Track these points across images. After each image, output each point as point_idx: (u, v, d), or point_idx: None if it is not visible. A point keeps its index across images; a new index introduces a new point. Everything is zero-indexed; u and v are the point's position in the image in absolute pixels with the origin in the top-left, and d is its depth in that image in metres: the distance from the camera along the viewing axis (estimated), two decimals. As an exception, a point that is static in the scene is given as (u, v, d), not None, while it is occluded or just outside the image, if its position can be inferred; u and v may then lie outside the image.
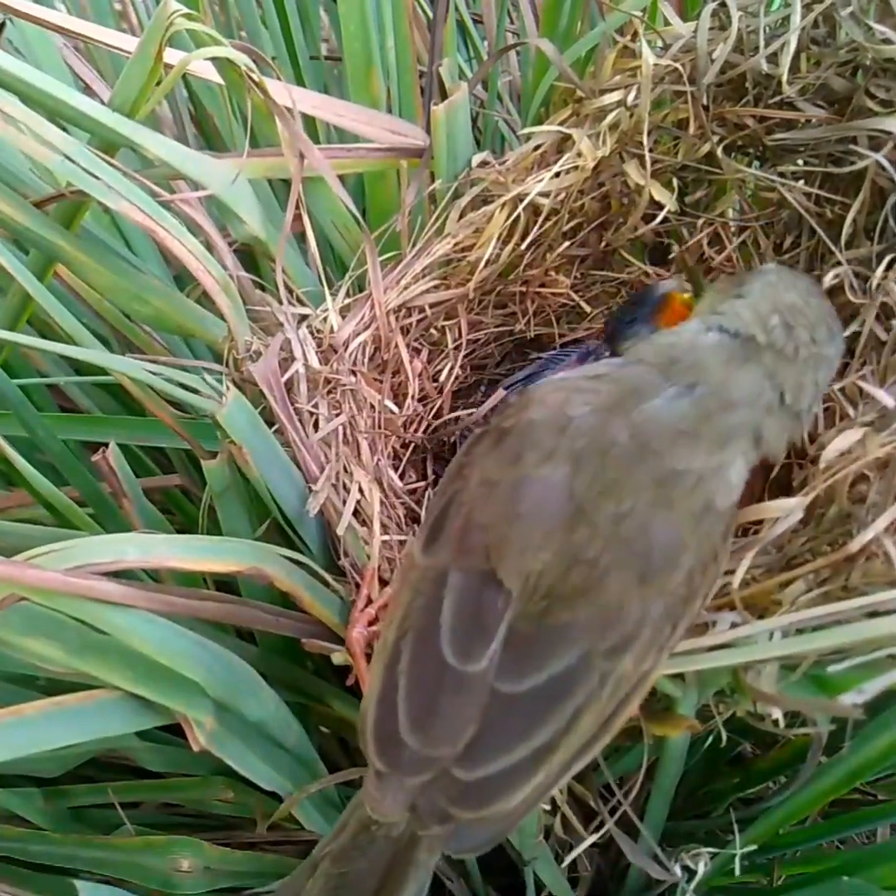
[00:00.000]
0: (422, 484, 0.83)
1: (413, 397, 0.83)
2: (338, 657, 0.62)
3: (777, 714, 0.49)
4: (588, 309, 0.93)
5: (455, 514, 0.51)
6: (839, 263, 0.71)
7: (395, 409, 0.81)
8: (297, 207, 0.75)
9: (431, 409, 0.87)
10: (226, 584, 0.72)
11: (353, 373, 0.75)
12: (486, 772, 0.45)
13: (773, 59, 0.72)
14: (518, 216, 0.80)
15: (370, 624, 0.61)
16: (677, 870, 0.67)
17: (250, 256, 0.92)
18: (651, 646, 0.48)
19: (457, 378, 0.89)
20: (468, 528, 0.50)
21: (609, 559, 0.48)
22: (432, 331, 0.86)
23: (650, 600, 0.48)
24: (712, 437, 0.53)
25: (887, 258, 0.67)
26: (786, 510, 0.52)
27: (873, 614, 0.47)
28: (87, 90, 0.93)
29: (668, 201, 0.80)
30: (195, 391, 0.62)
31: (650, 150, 0.79)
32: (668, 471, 0.51)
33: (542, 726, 0.45)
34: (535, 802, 0.46)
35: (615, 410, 0.53)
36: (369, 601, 0.63)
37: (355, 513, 0.66)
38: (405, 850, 0.47)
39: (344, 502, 0.66)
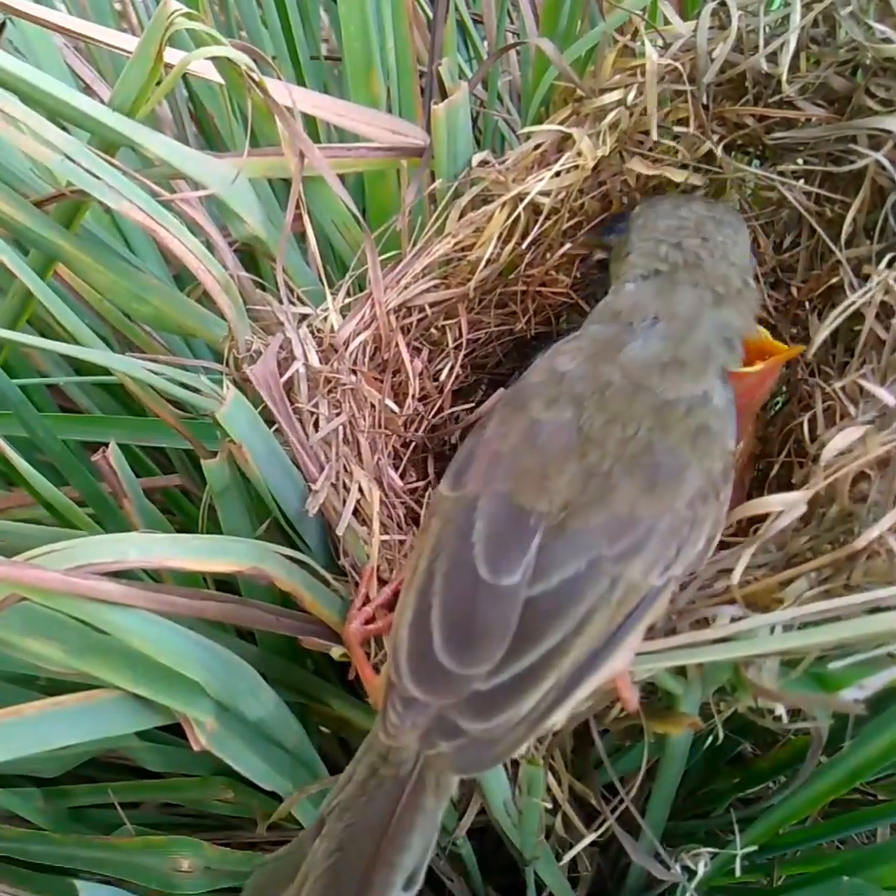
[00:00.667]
0: (422, 483, 0.83)
1: (413, 397, 0.83)
2: (336, 651, 0.62)
3: (780, 710, 0.49)
4: (588, 308, 0.92)
5: (480, 455, 0.55)
6: (839, 262, 0.71)
7: (396, 408, 0.81)
8: (298, 207, 0.75)
9: (432, 408, 0.87)
10: (226, 584, 0.72)
11: (354, 372, 0.75)
12: (499, 679, 0.46)
13: (773, 58, 0.72)
14: (518, 216, 0.80)
15: (367, 622, 0.62)
16: (678, 869, 0.67)
17: (250, 256, 0.92)
18: (658, 560, 0.50)
19: (457, 377, 0.89)
20: (493, 464, 0.54)
21: (619, 471, 0.52)
22: (433, 330, 0.86)
23: (658, 512, 0.51)
24: (694, 357, 0.59)
25: (887, 257, 0.67)
26: (788, 504, 0.52)
27: (875, 610, 0.47)
28: (87, 90, 0.93)
29: (685, 178, 0.80)
30: (195, 390, 0.62)
31: (650, 149, 0.79)
32: (661, 401, 0.56)
33: (554, 628, 0.47)
34: (539, 719, 0.47)
35: (601, 358, 0.59)
36: (367, 600, 0.63)
37: (355, 512, 0.66)
38: (412, 795, 0.47)
39: (344, 502, 0.66)
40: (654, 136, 0.77)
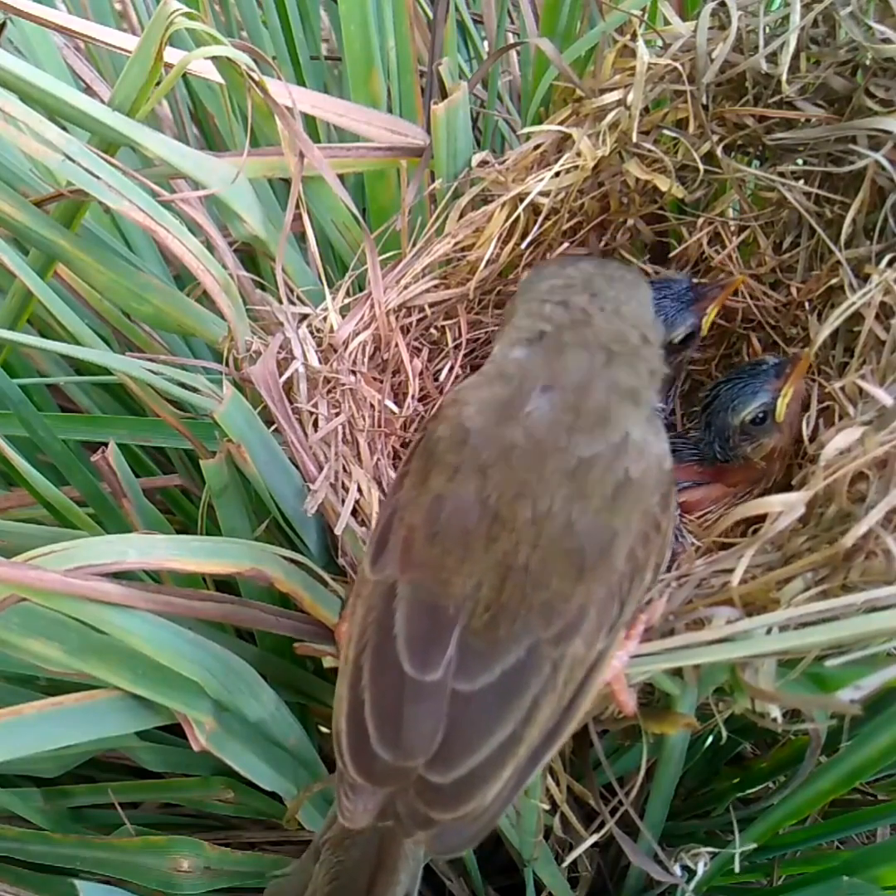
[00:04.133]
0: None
1: (413, 397, 0.83)
2: (329, 661, 0.62)
3: (775, 711, 0.49)
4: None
5: (397, 526, 0.52)
6: (839, 263, 0.71)
7: (396, 408, 0.81)
8: (297, 207, 0.75)
9: (432, 408, 0.87)
10: (226, 585, 0.72)
11: (353, 372, 0.75)
12: (458, 773, 0.46)
13: (773, 58, 0.72)
14: (518, 216, 0.80)
15: None
16: (677, 870, 0.67)
17: (250, 256, 0.92)
18: (600, 626, 0.48)
19: (457, 377, 0.89)
20: (407, 546, 0.51)
21: (539, 562, 0.48)
22: (432, 330, 0.86)
23: (590, 590, 0.48)
24: (594, 421, 0.53)
25: (887, 257, 0.67)
26: (788, 504, 0.52)
27: (871, 611, 0.47)
28: (87, 90, 0.92)
29: (669, 187, 0.80)
30: (195, 390, 0.62)
31: (650, 150, 0.79)
32: (576, 460, 0.51)
33: (503, 720, 0.46)
34: (510, 796, 0.47)
35: (504, 416, 0.53)
36: None
37: (354, 512, 0.66)
38: (392, 842, 0.49)
39: (343, 502, 0.66)
40: (634, 138, 0.77)
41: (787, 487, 0.75)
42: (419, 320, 0.84)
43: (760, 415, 0.78)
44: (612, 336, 0.57)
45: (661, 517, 0.52)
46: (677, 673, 0.52)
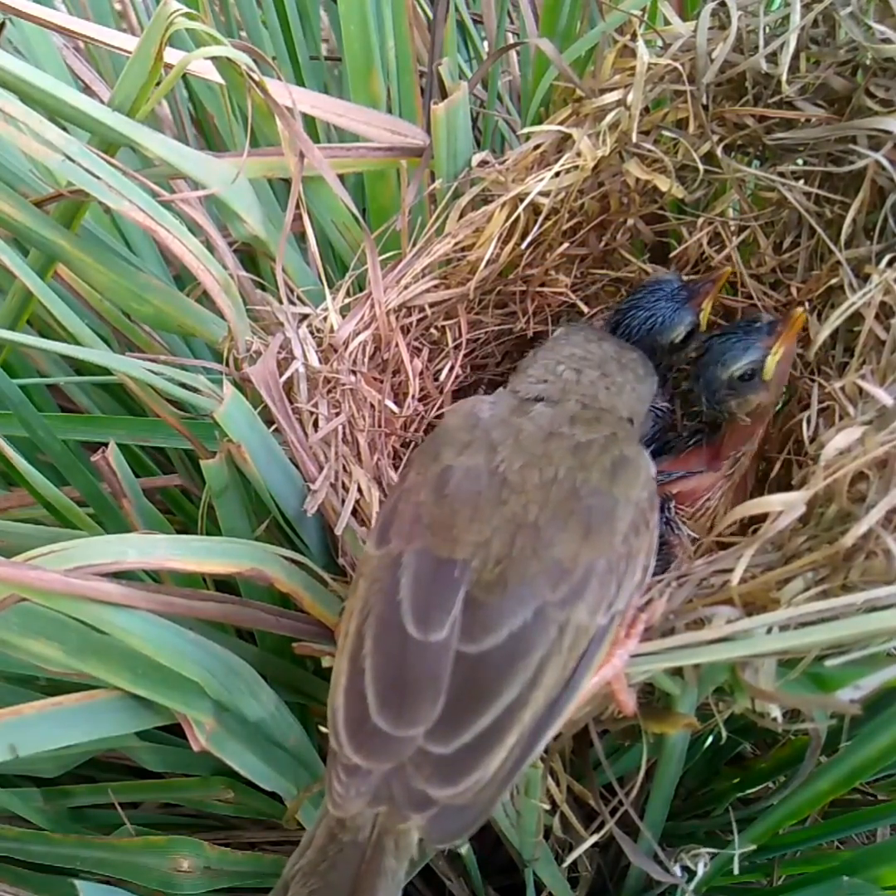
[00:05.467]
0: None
1: (413, 397, 0.83)
2: (329, 660, 0.62)
3: (775, 711, 0.49)
4: (587, 308, 0.92)
5: (401, 510, 0.54)
6: (839, 263, 0.71)
7: (396, 408, 0.81)
8: (297, 207, 0.75)
9: (432, 408, 0.87)
10: (226, 585, 0.72)
11: (353, 372, 0.75)
12: (461, 740, 0.45)
13: (773, 58, 0.72)
14: (518, 216, 0.80)
15: None
16: (677, 870, 0.67)
17: (250, 256, 0.92)
18: (602, 599, 0.50)
19: (457, 377, 0.89)
20: (414, 518, 0.53)
21: (549, 520, 0.51)
22: (432, 330, 0.86)
23: (594, 555, 0.50)
24: (589, 419, 0.61)
25: (887, 257, 0.67)
26: (788, 504, 0.52)
27: (871, 611, 0.47)
28: (87, 90, 0.92)
29: (669, 187, 0.80)
30: (195, 390, 0.62)
31: (649, 150, 0.79)
32: (575, 443, 0.57)
33: (510, 681, 0.46)
34: (511, 773, 0.46)
35: (512, 412, 0.61)
36: None
37: (354, 512, 0.66)
38: (373, 859, 0.46)
39: (343, 502, 0.66)
40: (634, 138, 0.77)
41: (788, 486, 0.75)
42: (419, 320, 0.84)
43: (749, 371, 0.78)
44: (606, 406, 0.65)
45: (649, 515, 0.55)
46: (677, 672, 0.52)
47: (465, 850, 0.72)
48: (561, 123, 0.81)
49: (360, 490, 0.67)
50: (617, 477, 0.55)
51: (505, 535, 0.51)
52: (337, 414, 0.70)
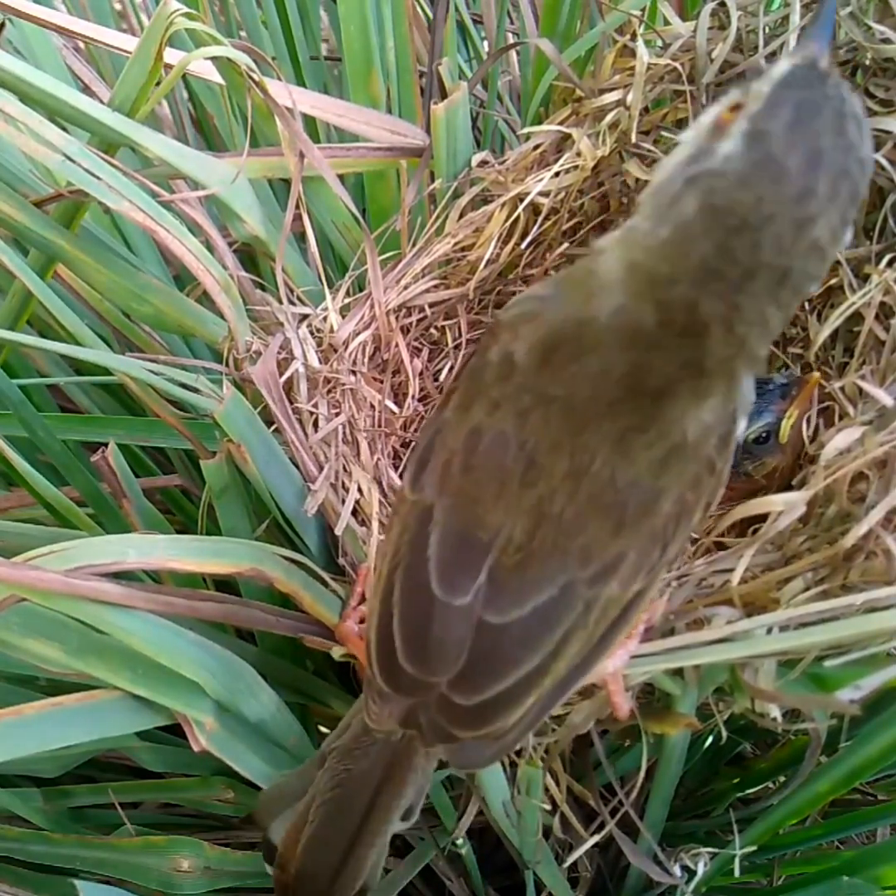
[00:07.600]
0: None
1: (413, 397, 0.83)
2: (338, 651, 0.63)
3: (775, 711, 0.49)
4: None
5: (439, 447, 0.51)
6: (839, 262, 0.71)
7: (396, 408, 0.81)
8: (297, 207, 0.75)
9: (432, 408, 0.87)
10: (226, 584, 0.72)
11: (353, 372, 0.75)
12: (482, 697, 0.47)
13: (773, 58, 0.72)
14: (518, 216, 0.80)
15: (362, 621, 0.62)
16: (677, 870, 0.67)
17: (250, 256, 0.92)
18: (639, 569, 0.48)
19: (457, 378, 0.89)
20: (445, 469, 0.50)
21: (575, 515, 0.47)
22: (432, 330, 0.86)
23: (631, 540, 0.47)
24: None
25: (887, 257, 0.67)
26: (789, 503, 0.52)
27: (871, 611, 0.47)
28: (87, 90, 0.92)
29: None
30: (195, 390, 0.62)
31: (649, 150, 0.79)
32: (622, 427, 0.46)
33: (532, 652, 0.47)
34: (532, 722, 0.48)
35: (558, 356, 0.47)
36: (363, 599, 0.63)
37: (354, 512, 0.66)
38: (404, 755, 0.52)
39: (343, 502, 0.66)
40: (634, 138, 0.77)
41: (788, 487, 0.75)
42: (419, 320, 0.84)
43: (764, 434, 0.78)
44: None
45: (717, 459, 0.47)
46: (678, 673, 0.52)
47: (465, 850, 0.72)
48: (561, 123, 0.81)
49: (360, 490, 0.67)
50: (669, 466, 0.46)
51: (528, 524, 0.47)
52: (337, 414, 0.70)
